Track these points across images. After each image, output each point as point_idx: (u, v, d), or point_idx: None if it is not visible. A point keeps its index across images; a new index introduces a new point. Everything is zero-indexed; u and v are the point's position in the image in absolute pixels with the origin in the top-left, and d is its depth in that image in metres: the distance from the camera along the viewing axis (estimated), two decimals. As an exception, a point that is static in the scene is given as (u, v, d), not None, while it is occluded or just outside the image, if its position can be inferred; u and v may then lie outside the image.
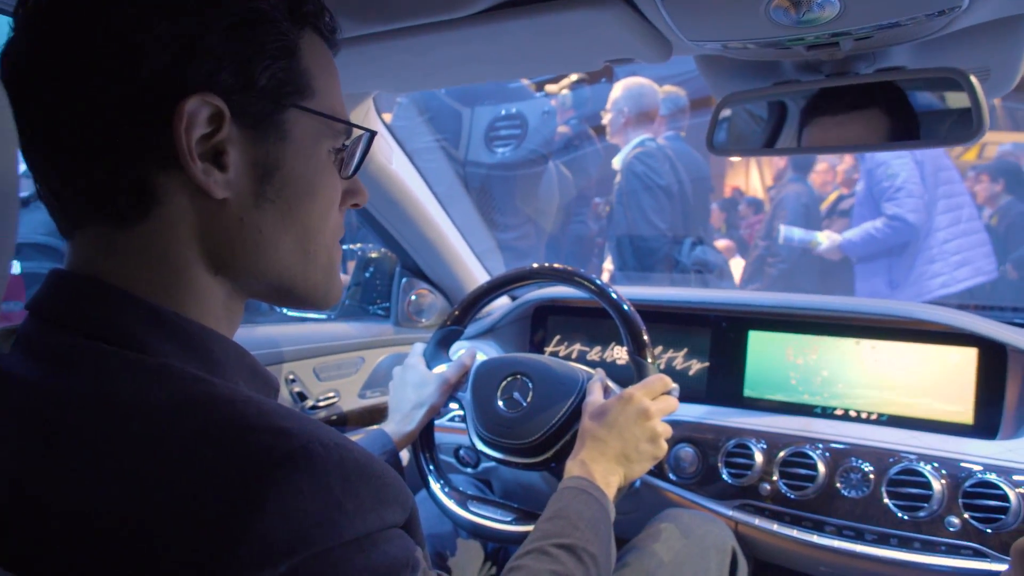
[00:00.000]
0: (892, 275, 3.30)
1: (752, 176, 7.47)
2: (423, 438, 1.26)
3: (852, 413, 1.41)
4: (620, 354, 1.69)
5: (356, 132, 0.68)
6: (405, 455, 1.26)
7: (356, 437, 1.29)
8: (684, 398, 1.15)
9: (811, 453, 1.25)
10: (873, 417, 1.39)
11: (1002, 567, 1.06)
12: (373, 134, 0.70)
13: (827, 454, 1.25)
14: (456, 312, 1.32)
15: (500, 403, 1.20)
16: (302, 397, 1.50)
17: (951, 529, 1.11)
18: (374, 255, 1.90)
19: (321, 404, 1.53)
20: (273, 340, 1.48)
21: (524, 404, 1.18)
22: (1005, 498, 1.09)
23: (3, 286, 0.47)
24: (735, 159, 6.49)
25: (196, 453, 0.48)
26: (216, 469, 0.47)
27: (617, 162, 3.19)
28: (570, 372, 1.18)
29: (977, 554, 1.09)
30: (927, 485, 1.14)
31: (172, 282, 0.58)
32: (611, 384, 1.14)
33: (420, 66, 1.17)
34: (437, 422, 1.31)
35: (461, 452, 1.60)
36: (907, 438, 1.25)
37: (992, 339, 1.30)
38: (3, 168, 0.45)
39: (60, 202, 0.58)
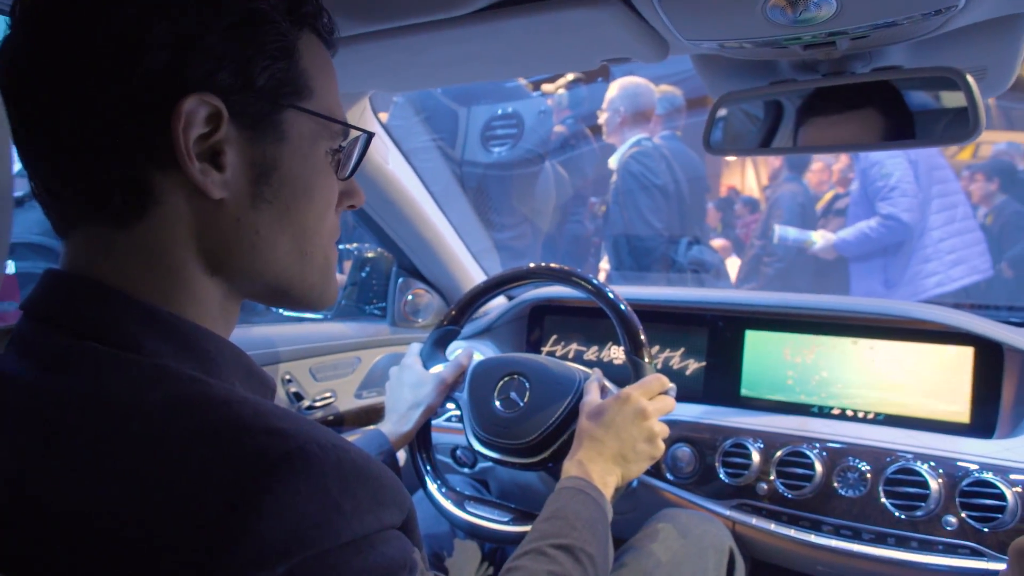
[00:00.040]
0: (887, 275, 3.31)
1: (748, 175, 7.48)
2: (420, 438, 1.26)
3: (849, 412, 1.41)
4: (617, 354, 1.69)
5: (353, 133, 0.68)
6: (402, 455, 1.26)
7: (352, 437, 1.29)
8: (681, 398, 1.15)
9: (808, 453, 1.25)
10: (870, 416, 1.39)
11: (999, 566, 1.06)
12: (371, 135, 0.70)
13: (824, 454, 1.25)
14: (453, 312, 1.32)
15: (497, 403, 1.20)
16: (298, 397, 1.50)
17: (948, 528, 1.11)
18: (370, 255, 1.90)
19: (317, 404, 1.53)
20: (269, 340, 1.48)
21: (521, 404, 1.17)
22: (1002, 497, 1.09)
23: (-2, 286, 0.47)
24: (731, 158, 6.49)
25: (193, 454, 0.48)
26: (212, 470, 0.47)
27: (613, 161, 3.19)
28: (567, 372, 1.18)
29: (974, 553, 1.09)
30: (924, 484, 1.14)
31: (168, 282, 0.58)
32: (608, 384, 1.14)
33: (416, 65, 1.16)
34: (434, 422, 1.31)
35: (458, 452, 1.60)
36: (904, 437, 1.25)
37: (988, 338, 1.30)
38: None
39: (56, 201, 0.58)
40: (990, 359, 1.31)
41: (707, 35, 0.95)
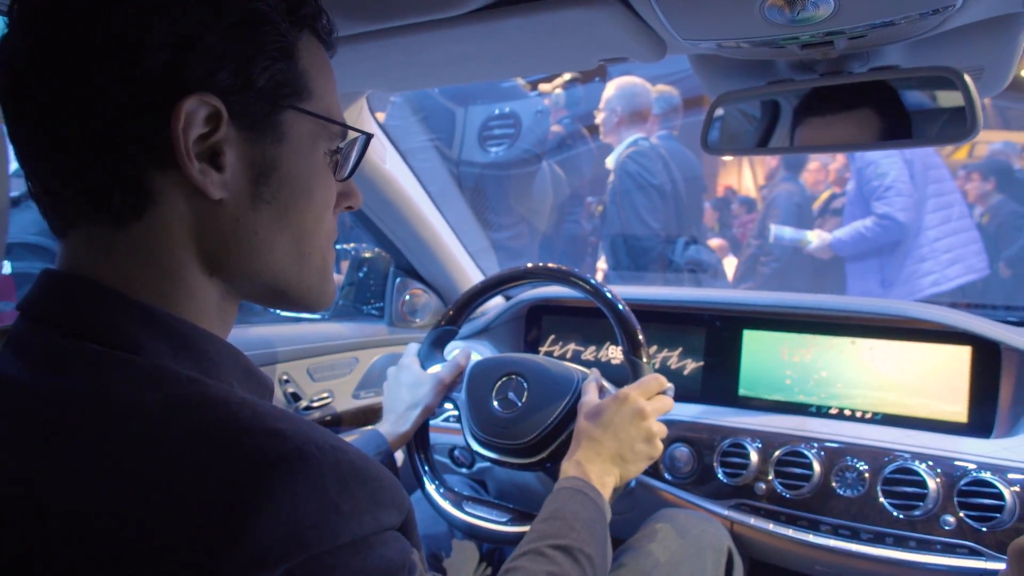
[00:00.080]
0: (884, 274, 3.32)
1: (745, 175, 7.49)
2: (418, 439, 1.25)
3: (847, 412, 1.41)
4: (615, 354, 1.69)
5: (351, 134, 0.68)
6: (400, 456, 1.26)
7: (350, 438, 1.29)
8: (679, 398, 1.15)
9: (806, 452, 1.25)
10: (868, 416, 1.39)
11: (998, 566, 1.06)
12: (369, 137, 0.70)
13: (822, 453, 1.25)
14: (451, 312, 1.32)
15: (495, 403, 1.20)
16: (296, 398, 1.49)
17: (946, 528, 1.11)
18: (368, 255, 1.89)
19: (315, 405, 1.53)
20: (267, 340, 1.47)
21: (519, 404, 1.17)
22: (1000, 496, 1.09)
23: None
24: (727, 158, 6.50)
25: (191, 454, 0.48)
26: (211, 471, 0.47)
27: (610, 161, 3.19)
28: (565, 372, 1.18)
29: (973, 553, 1.09)
30: (922, 484, 1.14)
31: (166, 283, 0.58)
32: (606, 384, 1.14)
33: (414, 65, 1.16)
34: (432, 422, 1.30)
35: (456, 452, 1.60)
36: (902, 437, 1.25)
37: (986, 337, 1.30)
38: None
39: (54, 201, 0.58)
40: (988, 358, 1.31)
41: (705, 35, 0.95)
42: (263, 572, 0.45)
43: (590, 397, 1.08)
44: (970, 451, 1.17)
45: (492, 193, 3.13)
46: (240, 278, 0.62)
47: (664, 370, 1.61)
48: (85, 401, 0.51)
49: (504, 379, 1.22)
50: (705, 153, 1.19)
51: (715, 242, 5.33)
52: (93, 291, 0.56)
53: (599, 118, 3.26)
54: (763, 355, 1.51)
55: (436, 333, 1.32)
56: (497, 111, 3.15)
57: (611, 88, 3.22)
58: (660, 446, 1.04)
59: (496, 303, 1.84)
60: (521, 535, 0.89)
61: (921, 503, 1.14)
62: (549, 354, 1.77)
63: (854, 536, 1.18)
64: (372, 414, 1.65)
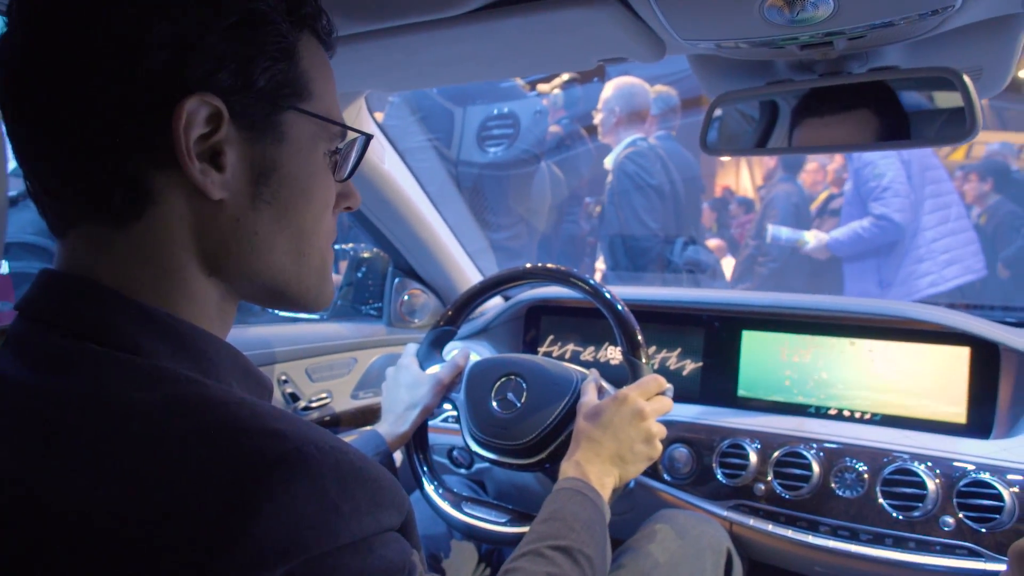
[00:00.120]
0: (881, 275, 3.32)
1: (742, 176, 7.50)
2: (416, 439, 1.25)
3: (846, 413, 1.41)
4: (614, 354, 1.69)
5: (351, 135, 0.68)
6: (398, 456, 1.26)
7: (349, 438, 1.28)
8: (678, 398, 1.15)
9: (805, 453, 1.25)
10: (867, 417, 1.39)
11: (997, 567, 1.06)
12: (369, 138, 0.70)
13: (821, 454, 1.25)
14: (449, 312, 1.32)
15: (494, 404, 1.20)
16: (294, 398, 1.49)
17: (946, 529, 1.11)
18: (366, 255, 1.89)
19: (314, 405, 1.53)
20: (265, 341, 1.47)
21: (518, 405, 1.17)
22: (999, 497, 1.09)
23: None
24: (725, 159, 6.51)
25: (191, 455, 0.48)
26: (210, 471, 0.47)
27: (609, 162, 3.19)
28: (564, 372, 1.18)
29: (972, 554, 1.09)
30: (921, 485, 1.14)
31: (166, 283, 0.58)
32: (605, 384, 1.14)
33: (413, 65, 1.16)
34: (431, 423, 1.30)
35: (454, 453, 1.59)
36: (901, 438, 1.25)
37: (984, 338, 1.30)
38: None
39: (53, 201, 0.58)
40: (986, 359, 1.31)
41: (704, 35, 0.95)
42: (263, 573, 0.45)
43: (589, 398, 1.08)
44: (969, 452, 1.17)
45: (491, 193, 3.13)
46: (239, 278, 0.62)
47: (663, 371, 1.61)
48: (84, 401, 0.50)
49: (503, 379, 1.21)
50: (704, 153, 1.19)
51: (713, 242, 5.34)
52: (92, 291, 0.56)
53: (597, 118, 3.26)
54: (762, 356, 1.51)
55: (435, 333, 1.31)
56: (496, 111, 3.15)
57: (609, 88, 3.22)
58: (659, 447, 1.04)
59: (495, 303, 1.84)
60: (520, 536, 0.89)
61: (920, 504, 1.14)
62: (548, 354, 1.77)
63: (853, 537, 1.18)
64: (371, 414, 1.65)
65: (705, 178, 5.95)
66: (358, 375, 1.66)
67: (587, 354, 1.72)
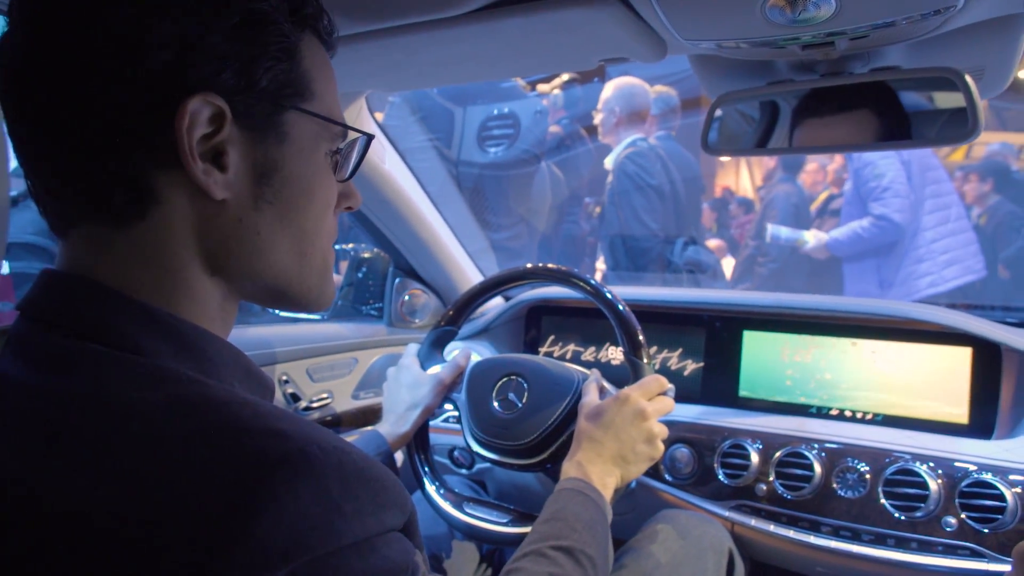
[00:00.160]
0: (881, 275, 3.32)
1: (742, 176, 7.50)
2: (418, 439, 1.25)
3: (847, 413, 1.41)
4: (615, 354, 1.69)
5: (352, 134, 0.68)
6: (399, 456, 1.26)
7: (350, 438, 1.28)
8: (679, 398, 1.14)
9: (807, 453, 1.25)
10: (868, 417, 1.39)
11: (999, 567, 1.06)
12: (371, 138, 0.70)
13: (823, 454, 1.25)
14: (450, 312, 1.32)
15: (495, 404, 1.19)
16: (295, 398, 1.49)
17: (948, 529, 1.11)
18: (367, 255, 1.89)
19: (315, 405, 1.52)
20: (266, 341, 1.47)
21: (520, 405, 1.17)
22: (1002, 498, 1.09)
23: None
24: (725, 159, 6.51)
25: (193, 455, 0.48)
26: (212, 471, 0.47)
27: (609, 162, 3.19)
28: (566, 373, 1.18)
29: (974, 554, 1.09)
30: (923, 485, 1.14)
31: (168, 283, 0.58)
32: (607, 385, 1.14)
33: (413, 65, 1.16)
34: (432, 423, 1.30)
35: (455, 453, 1.59)
36: (902, 438, 1.25)
37: (986, 338, 1.30)
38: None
39: (55, 201, 0.57)
40: (988, 359, 1.31)
41: (705, 35, 0.95)
42: (266, 573, 0.45)
43: (591, 398, 1.08)
44: (971, 452, 1.17)
45: (491, 193, 3.13)
46: (241, 278, 0.62)
47: (664, 371, 1.61)
48: (86, 401, 0.50)
49: (504, 380, 1.21)
50: (704, 154, 1.19)
51: (713, 243, 5.34)
52: (94, 291, 0.56)
53: (597, 119, 3.26)
54: (763, 356, 1.51)
55: (436, 333, 1.31)
56: (496, 111, 3.14)
57: (609, 89, 3.22)
58: (661, 447, 1.04)
59: (495, 303, 1.84)
60: (521, 536, 0.89)
61: (922, 504, 1.13)
62: (549, 355, 1.76)
63: (855, 537, 1.18)
64: (372, 415, 1.64)
65: (705, 178, 5.95)
66: (359, 375, 1.66)
67: (588, 354, 1.72)
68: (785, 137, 1.18)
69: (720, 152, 1.19)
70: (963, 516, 1.11)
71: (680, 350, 1.61)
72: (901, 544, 1.14)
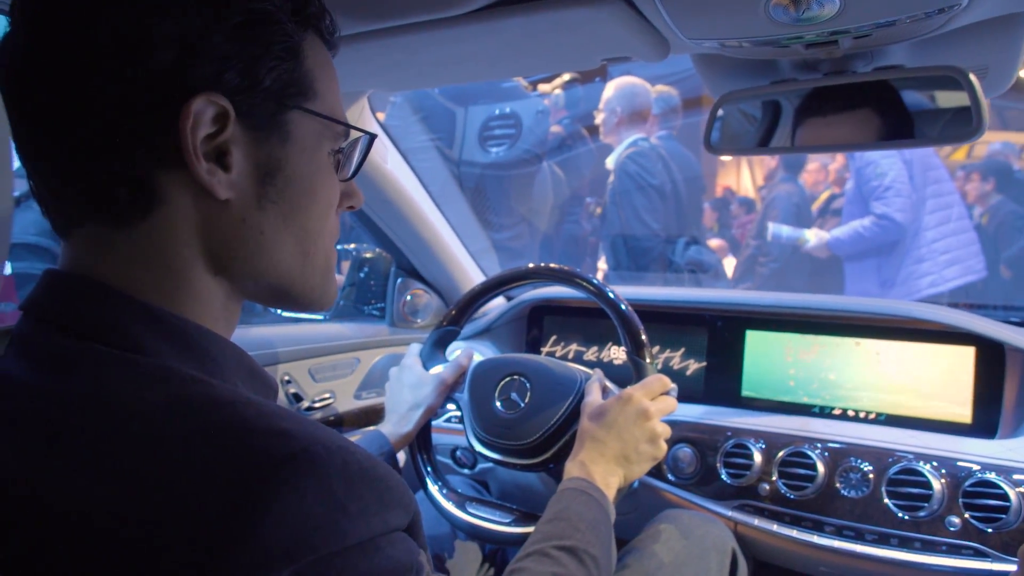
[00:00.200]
0: (882, 275, 3.31)
1: (743, 176, 7.49)
2: (420, 439, 1.25)
3: (850, 413, 1.41)
4: (617, 354, 1.68)
5: (353, 133, 0.68)
6: (402, 456, 1.26)
7: (353, 438, 1.28)
8: (682, 398, 1.14)
9: (810, 453, 1.25)
10: (871, 417, 1.39)
11: (1003, 567, 1.06)
12: (373, 137, 0.70)
13: (826, 454, 1.24)
14: (453, 312, 1.31)
15: (498, 404, 1.19)
16: (298, 398, 1.49)
17: (951, 529, 1.11)
18: (369, 255, 1.89)
19: (317, 405, 1.52)
20: (268, 341, 1.47)
21: (522, 405, 1.17)
22: (1005, 497, 1.09)
23: (-2, 286, 0.46)
24: (726, 158, 6.50)
25: (196, 454, 0.48)
26: (216, 471, 0.47)
27: (610, 162, 3.19)
28: (568, 372, 1.18)
29: (978, 554, 1.08)
30: (927, 485, 1.14)
31: (171, 283, 0.58)
32: (609, 384, 1.14)
33: (415, 64, 1.16)
34: (434, 423, 1.30)
35: (458, 453, 1.59)
36: (906, 437, 1.24)
37: (989, 338, 1.29)
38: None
39: (58, 201, 0.57)
40: (992, 359, 1.30)
41: (709, 34, 0.95)
42: (269, 574, 0.45)
43: (593, 397, 1.08)
44: (974, 452, 1.17)
45: (493, 193, 3.12)
46: (245, 278, 0.62)
47: (667, 370, 1.61)
48: (88, 401, 0.50)
49: (507, 379, 1.21)
50: (707, 153, 1.18)
51: (714, 242, 5.34)
52: (97, 291, 0.55)
53: (599, 118, 3.26)
54: (766, 356, 1.50)
55: (438, 333, 1.31)
56: (498, 111, 3.14)
57: (611, 88, 3.22)
58: (664, 447, 1.04)
59: (497, 303, 1.84)
60: (524, 536, 0.89)
61: (926, 504, 1.13)
62: (551, 354, 1.76)
63: (858, 537, 1.17)
64: (374, 415, 1.64)
65: (706, 178, 5.96)
66: (361, 375, 1.66)
67: (590, 354, 1.72)
68: (788, 136, 1.18)
69: (723, 151, 1.19)
70: (967, 516, 1.11)
71: (683, 350, 1.61)
72: (904, 544, 1.13)
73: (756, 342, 1.52)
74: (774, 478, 1.26)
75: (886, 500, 1.16)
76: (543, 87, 3.82)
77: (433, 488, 1.22)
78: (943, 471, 1.15)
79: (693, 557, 1.12)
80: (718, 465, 1.32)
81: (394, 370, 1.29)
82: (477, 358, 1.29)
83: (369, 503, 0.51)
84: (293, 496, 0.47)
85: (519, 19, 0.93)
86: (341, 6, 0.89)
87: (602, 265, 3.59)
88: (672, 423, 1.30)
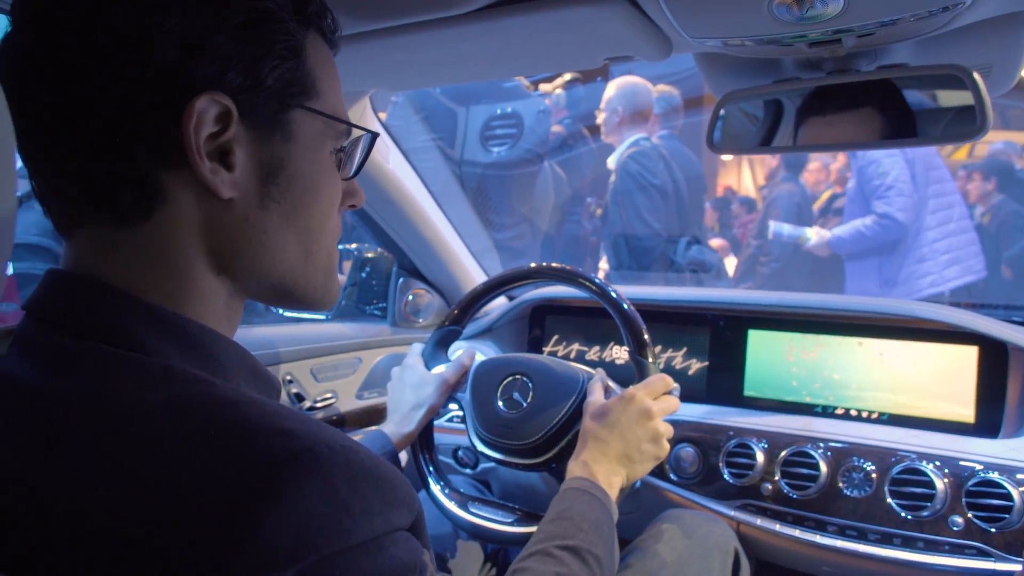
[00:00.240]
0: (883, 274, 3.31)
1: (744, 175, 7.49)
2: (422, 439, 1.25)
3: (853, 412, 1.40)
4: (619, 354, 1.68)
5: (355, 132, 0.68)
6: (404, 456, 1.25)
7: (355, 438, 1.28)
8: (684, 398, 1.14)
9: (813, 452, 1.25)
10: (874, 416, 1.38)
11: (1007, 566, 1.05)
12: (375, 136, 0.70)
13: (828, 453, 1.24)
14: (455, 312, 1.31)
15: (500, 403, 1.19)
16: (300, 398, 1.49)
17: (954, 528, 1.11)
18: (370, 255, 1.89)
19: (319, 405, 1.52)
20: (270, 341, 1.47)
21: (524, 404, 1.17)
22: (1008, 497, 1.09)
23: (0, 286, 0.46)
24: (727, 158, 6.51)
25: (199, 454, 0.47)
26: (219, 471, 0.47)
27: (612, 161, 3.19)
28: (570, 372, 1.18)
29: (981, 553, 1.08)
30: (930, 484, 1.14)
31: (174, 282, 0.58)
32: (612, 384, 1.14)
33: (417, 64, 1.16)
34: (436, 423, 1.30)
35: (460, 453, 1.59)
36: (908, 437, 1.24)
37: (993, 337, 1.29)
38: (0, 167, 0.44)
39: (60, 201, 0.57)
40: (995, 358, 1.30)
41: (712, 33, 0.95)
42: (273, 573, 0.45)
43: (596, 397, 1.08)
44: (977, 451, 1.17)
45: (494, 193, 3.12)
46: (247, 277, 0.62)
47: (669, 370, 1.61)
48: (90, 401, 0.50)
49: (509, 379, 1.21)
50: (708, 152, 1.18)
51: (716, 242, 5.34)
52: (99, 291, 0.55)
53: (600, 118, 3.26)
54: (768, 355, 1.50)
55: (440, 333, 1.31)
56: (499, 111, 3.14)
57: (612, 88, 3.22)
58: (667, 446, 1.04)
59: (499, 303, 1.84)
60: (526, 536, 0.89)
61: (929, 504, 1.13)
62: (553, 354, 1.76)
63: (861, 537, 1.17)
64: (376, 414, 1.64)
65: (707, 178, 5.95)
66: (363, 375, 1.66)
67: (592, 354, 1.72)
68: (790, 135, 1.18)
69: (726, 151, 1.19)
70: (970, 515, 1.10)
71: (685, 349, 1.61)
72: (907, 543, 1.13)
73: (758, 342, 1.52)
74: (777, 478, 1.26)
75: (889, 500, 1.16)
76: (544, 87, 3.82)
77: (435, 488, 1.22)
78: (946, 471, 1.15)
79: (696, 557, 1.12)
80: (720, 465, 1.32)
81: (396, 370, 1.29)
82: (479, 358, 1.29)
83: (373, 502, 0.51)
84: (297, 496, 0.46)
85: (521, 18, 0.92)
86: (342, 5, 0.89)
87: (604, 265, 3.58)
88: (674, 423, 1.30)
